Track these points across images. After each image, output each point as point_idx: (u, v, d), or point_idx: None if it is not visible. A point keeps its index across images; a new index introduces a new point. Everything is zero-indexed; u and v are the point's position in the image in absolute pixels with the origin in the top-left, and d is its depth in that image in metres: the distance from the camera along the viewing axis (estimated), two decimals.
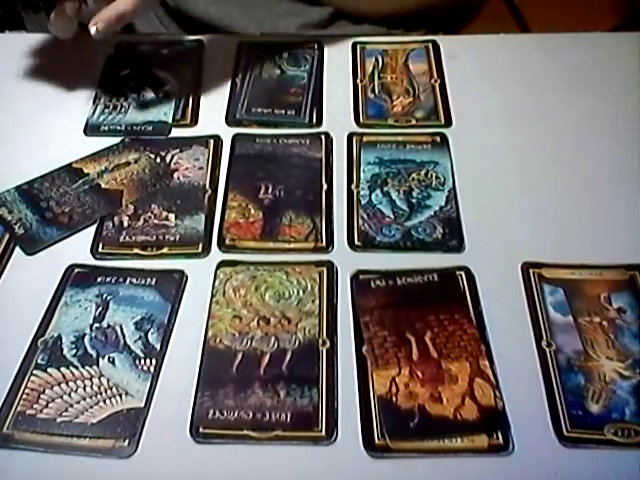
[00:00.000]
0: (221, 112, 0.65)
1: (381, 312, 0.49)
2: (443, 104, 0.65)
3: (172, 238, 0.55)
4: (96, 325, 0.50)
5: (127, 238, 0.55)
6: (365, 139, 0.62)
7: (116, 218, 0.56)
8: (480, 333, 0.48)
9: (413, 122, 0.64)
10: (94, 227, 0.56)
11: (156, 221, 0.56)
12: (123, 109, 0.65)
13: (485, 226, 0.55)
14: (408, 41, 0.72)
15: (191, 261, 0.54)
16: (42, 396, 0.46)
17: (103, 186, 0.59)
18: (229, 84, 0.68)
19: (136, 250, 0.54)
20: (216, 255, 0.54)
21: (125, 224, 0.56)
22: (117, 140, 0.63)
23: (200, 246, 0.54)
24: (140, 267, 0.53)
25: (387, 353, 0.47)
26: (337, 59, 0.70)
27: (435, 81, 0.67)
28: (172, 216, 0.57)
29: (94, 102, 0.66)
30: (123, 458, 0.43)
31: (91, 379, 0.47)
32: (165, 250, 0.54)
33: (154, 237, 0.55)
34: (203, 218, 0.56)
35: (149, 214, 0.57)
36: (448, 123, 0.63)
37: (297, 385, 0.46)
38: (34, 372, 0.47)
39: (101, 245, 0.55)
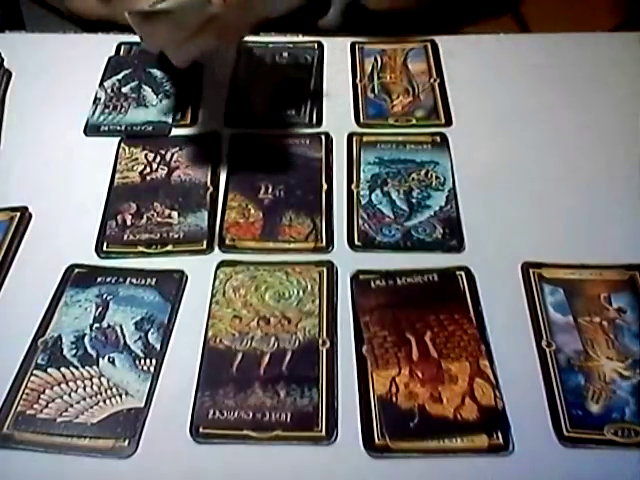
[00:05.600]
0: (221, 112, 0.65)
1: (381, 312, 0.49)
2: (443, 104, 0.65)
3: (176, 235, 0.55)
4: (96, 325, 0.50)
5: (131, 236, 0.55)
6: (365, 139, 0.62)
7: (119, 217, 0.56)
8: (480, 333, 0.48)
9: (413, 122, 0.64)
10: (97, 227, 0.56)
11: (159, 219, 0.56)
12: (123, 109, 0.65)
13: (485, 226, 0.55)
14: (407, 40, 0.72)
15: (192, 261, 0.54)
16: (42, 396, 0.46)
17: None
18: (230, 84, 0.68)
19: (140, 248, 0.55)
20: (216, 255, 0.54)
21: (128, 223, 0.56)
22: (117, 140, 0.63)
23: (204, 243, 0.55)
24: (140, 267, 0.53)
25: (387, 353, 0.47)
26: (337, 59, 0.70)
27: (435, 80, 0.67)
28: (175, 214, 0.57)
29: (94, 102, 0.66)
30: (123, 458, 0.43)
31: (91, 379, 0.47)
32: (169, 247, 0.55)
33: (158, 235, 0.55)
34: (206, 215, 0.56)
35: (152, 212, 0.57)
36: (448, 123, 0.63)
37: (297, 385, 0.46)
38: (34, 372, 0.47)
39: (105, 244, 0.55)
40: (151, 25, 0.54)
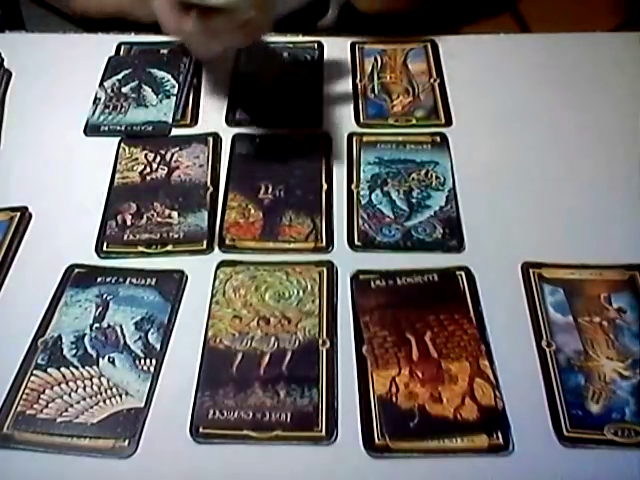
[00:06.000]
0: (221, 112, 0.65)
1: (381, 312, 0.49)
2: (443, 103, 0.65)
3: (176, 235, 0.55)
4: (96, 325, 0.50)
5: (131, 236, 0.55)
6: (365, 139, 0.62)
7: (119, 217, 0.56)
8: (480, 333, 0.48)
9: (413, 122, 0.64)
10: (97, 227, 0.56)
11: (159, 219, 0.56)
12: (123, 109, 0.65)
13: (485, 226, 0.55)
14: (407, 40, 0.72)
15: (192, 261, 0.54)
16: (42, 396, 0.46)
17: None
18: (229, 84, 0.68)
19: (140, 248, 0.55)
20: (216, 255, 0.54)
21: (129, 223, 0.56)
22: (117, 140, 0.63)
23: (204, 243, 0.55)
24: (140, 267, 0.53)
25: (387, 353, 0.47)
26: (337, 59, 0.70)
27: (434, 80, 0.67)
28: (175, 214, 0.57)
29: (94, 102, 0.66)
30: (123, 458, 0.43)
31: (91, 379, 0.47)
32: (169, 247, 0.55)
33: (158, 235, 0.55)
34: (206, 215, 0.56)
35: (152, 212, 0.57)
36: (448, 122, 0.63)
37: (297, 385, 0.46)
38: (34, 372, 0.47)
39: (105, 244, 0.55)
40: (185, 22, 0.54)
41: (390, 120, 0.64)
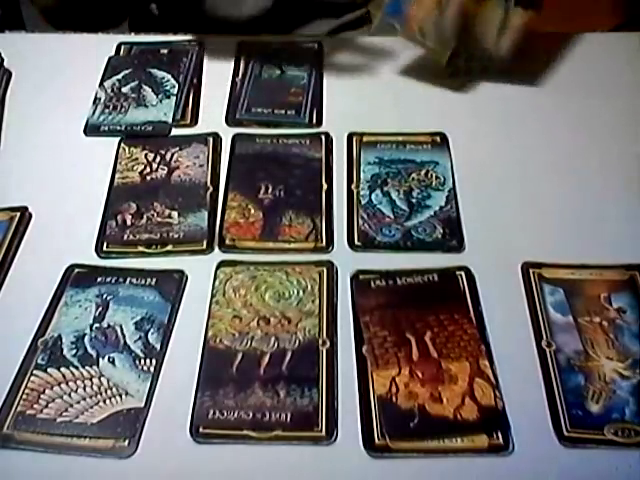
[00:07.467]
0: (221, 112, 0.65)
1: (381, 312, 0.49)
2: None
3: (176, 235, 0.55)
4: (96, 325, 0.50)
5: (131, 236, 0.55)
6: (365, 139, 0.62)
7: (119, 217, 0.56)
8: (480, 333, 0.48)
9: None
10: (97, 227, 0.56)
11: (159, 219, 0.56)
12: (123, 109, 0.65)
13: (485, 226, 0.55)
14: None
15: (192, 261, 0.54)
16: (42, 396, 0.46)
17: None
18: (229, 84, 0.68)
19: (140, 248, 0.55)
20: (216, 255, 0.54)
21: (128, 223, 0.56)
22: (117, 140, 0.63)
23: (204, 243, 0.55)
24: (140, 267, 0.53)
25: (387, 353, 0.47)
26: (336, 59, 0.70)
27: None
28: (175, 214, 0.57)
29: (94, 102, 0.66)
30: (123, 458, 0.43)
31: (91, 379, 0.47)
32: (169, 247, 0.55)
33: (158, 235, 0.55)
34: (206, 215, 0.56)
35: (152, 212, 0.57)
36: None
37: (297, 385, 0.46)
38: (34, 372, 0.47)
39: (105, 244, 0.55)
40: None
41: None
